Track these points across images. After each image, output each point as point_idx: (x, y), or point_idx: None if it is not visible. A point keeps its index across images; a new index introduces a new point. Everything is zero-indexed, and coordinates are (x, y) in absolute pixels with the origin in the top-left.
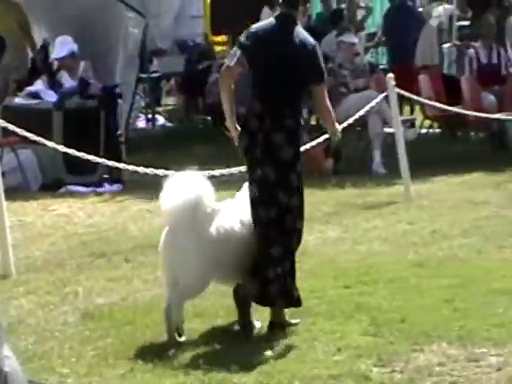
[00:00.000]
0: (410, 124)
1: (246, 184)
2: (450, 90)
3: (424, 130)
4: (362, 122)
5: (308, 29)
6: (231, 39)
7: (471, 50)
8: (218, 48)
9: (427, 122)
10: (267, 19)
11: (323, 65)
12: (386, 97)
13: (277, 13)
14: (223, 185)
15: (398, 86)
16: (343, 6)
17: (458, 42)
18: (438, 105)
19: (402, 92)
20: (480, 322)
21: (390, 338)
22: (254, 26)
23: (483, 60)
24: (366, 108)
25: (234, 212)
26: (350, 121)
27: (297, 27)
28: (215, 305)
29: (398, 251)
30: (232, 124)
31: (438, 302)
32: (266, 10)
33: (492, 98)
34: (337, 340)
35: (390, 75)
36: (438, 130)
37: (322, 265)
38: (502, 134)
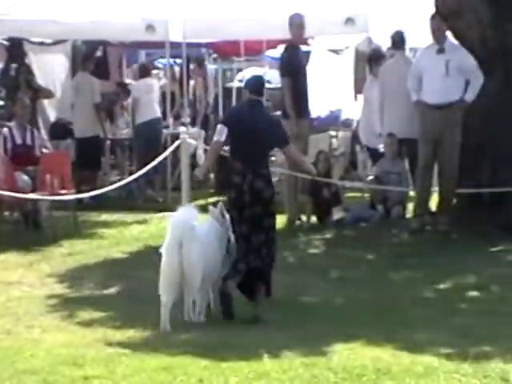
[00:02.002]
0: None
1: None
2: None
3: None
4: None
5: None
6: None
7: (5, 130)
8: None
9: None
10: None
11: (286, 131)
12: None
13: (247, 99)
14: None
15: None
16: None
17: None
18: None
19: None
20: None
21: None
22: (232, 108)
23: (18, 140)
24: None
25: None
26: None
27: (263, 108)
28: None
29: None
30: (203, 173)
31: None
32: None
33: (26, 178)
34: None
35: None
36: None
37: None
38: (36, 214)
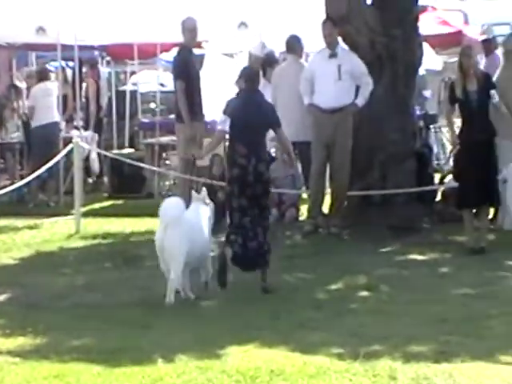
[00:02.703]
0: None
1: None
2: None
3: None
4: None
5: None
6: None
7: None
8: None
9: None
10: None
11: (278, 115)
12: None
13: (243, 88)
14: None
15: None
16: None
17: None
18: None
19: None
20: None
21: None
22: (230, 99)
23: None
24: None
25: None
26: None
27: (259, 95)
28: None
29: None
30: (204, 155)
31: None
32: None
33: None
34: None
35: None
36: None
37: None
38: None
